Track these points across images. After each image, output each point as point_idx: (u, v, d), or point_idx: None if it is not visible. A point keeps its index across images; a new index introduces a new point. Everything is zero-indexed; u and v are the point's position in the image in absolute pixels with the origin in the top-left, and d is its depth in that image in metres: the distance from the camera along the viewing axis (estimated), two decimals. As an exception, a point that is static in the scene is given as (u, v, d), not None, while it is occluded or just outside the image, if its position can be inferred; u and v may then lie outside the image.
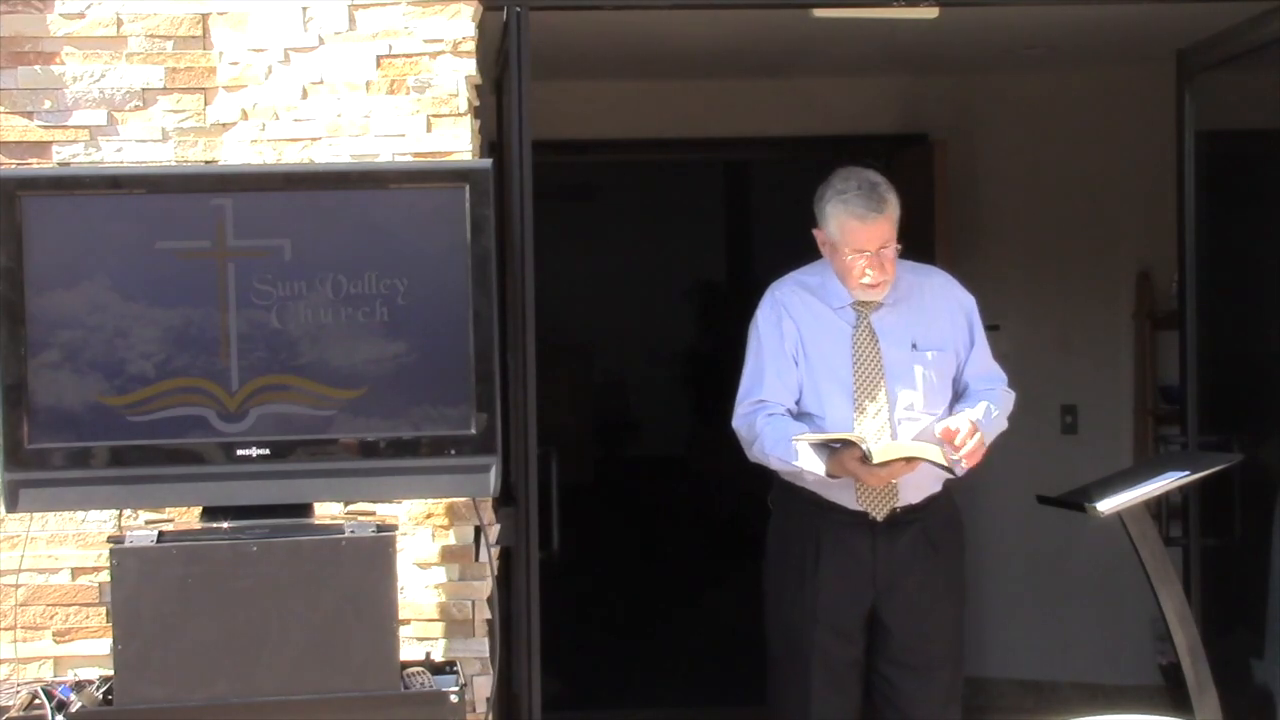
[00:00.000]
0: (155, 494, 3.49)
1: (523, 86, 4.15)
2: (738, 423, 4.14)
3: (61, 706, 3.34)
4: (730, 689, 6.69)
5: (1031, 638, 6.49)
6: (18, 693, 3.50)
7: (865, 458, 3.86)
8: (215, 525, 3.46)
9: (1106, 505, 4.22)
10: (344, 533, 3.41)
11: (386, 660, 3.40)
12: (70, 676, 3.74)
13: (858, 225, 4.04)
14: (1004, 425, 4.16)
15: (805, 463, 3.96)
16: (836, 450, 3.93)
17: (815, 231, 4.14)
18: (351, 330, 3.46)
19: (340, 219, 3.51)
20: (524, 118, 4.16)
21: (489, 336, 3.49)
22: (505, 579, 4.17)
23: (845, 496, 4.05)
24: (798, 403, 4.10)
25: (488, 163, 3.66)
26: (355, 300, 3.46)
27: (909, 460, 3.90)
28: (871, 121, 6.59)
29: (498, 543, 4.07)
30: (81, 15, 4.04)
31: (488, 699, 3.99)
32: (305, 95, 4.05)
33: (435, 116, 4.04)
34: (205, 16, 4.06)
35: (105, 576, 3.61)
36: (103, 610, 3.93)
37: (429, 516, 4.03)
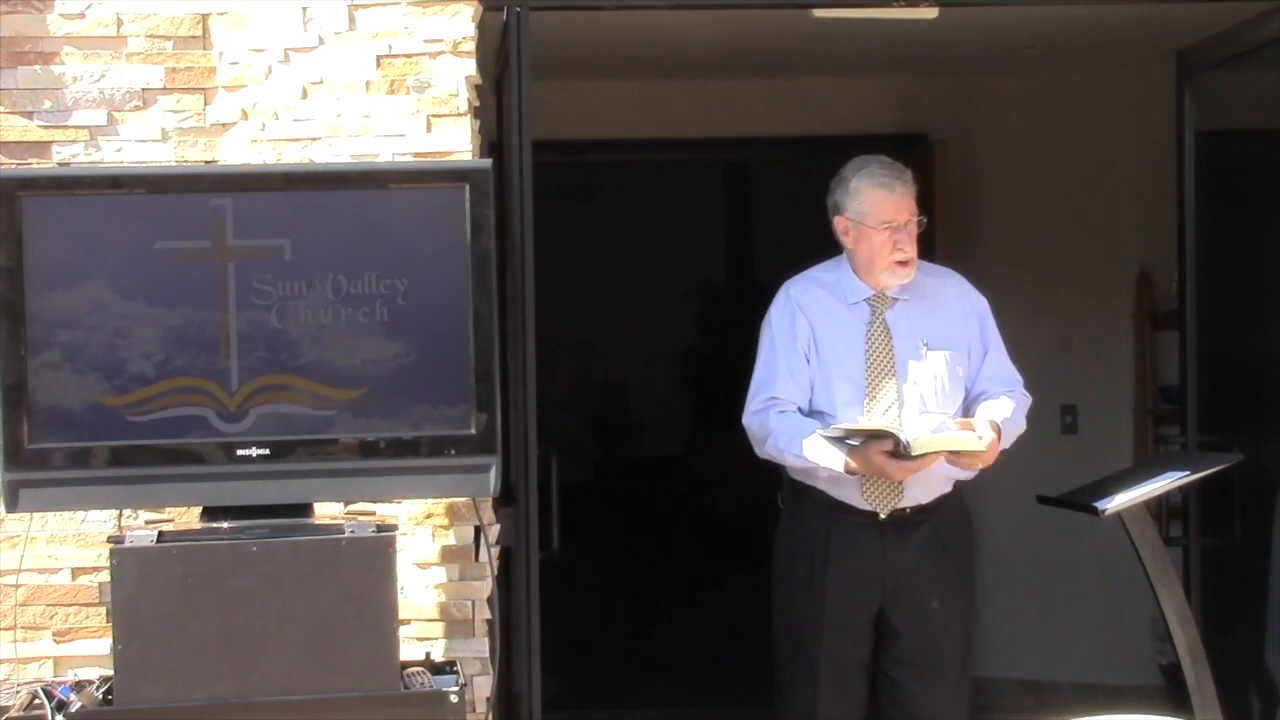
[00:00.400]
0: (155, 494, 3.49)
1: (523, 86, 4.15)
2: (749, 419, 4.14)
3: (61, 706, 3.34)
4: (730, 689, 6.70)
5: (1031, 638, 6.50)
6: (18, 693, 3.50)
7: (897, 451, 3.86)
8: (215, 525, 3.46)
9: (1106, 505, 4.22)
10: (344, 533, 3.41)
11: (386, 660, 3.39)
12: (70, 676, 3.74)
13: (886, 195, 4.06)
14: (1022, 427, 4.17)
15: (822, 457, 3.96)
16: (858, 446, 3.93)
17: (836, 219, 4.14)
18: (351, 330, 3.46)
19: (340, 219, 3.51)
20: (524, 118, 4.16)
21: (489, 336, 3.49)
22: (505, 579, 4.17)
23: (854, 495, 4.05)
24: (809, 400, 4.11)
25: (488, 163, 3.66)
26: (355, 300, 3.46)
27: (948, 453, 3.90)
28: (871, 121, 6.59)
29: (498, 543, 4.07)
30: (81, 15, 4.04)
31: (488, 699, 4.00)
32: (305, 95, 4.05)
33: (435, 116, 4.04)
34: (205, 16, 4.06)
35: (105, 576, 3.61)
36: (103, 610, 3.93)
37: (429, 516, 4.03)
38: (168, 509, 3.74)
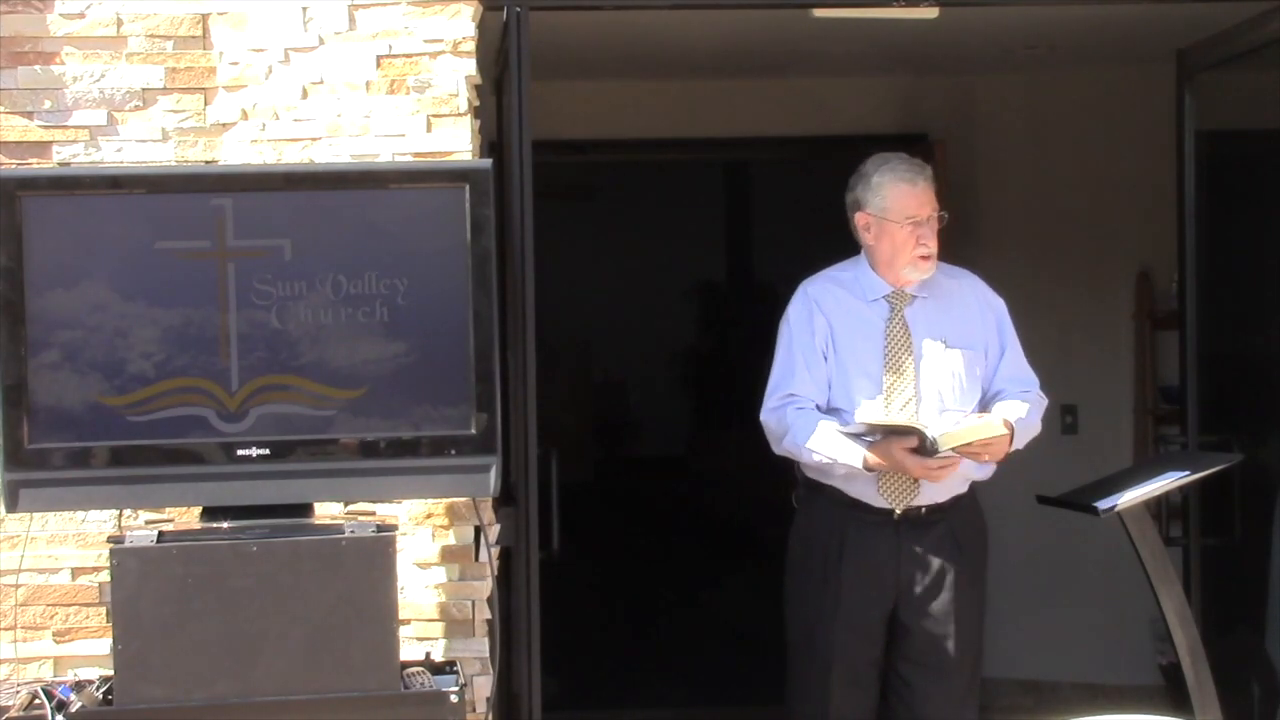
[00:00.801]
0: (155, 494, 3.49)
1: (523, 86, 4.15)
2: (766, 416, 4.15)
3: (61, 706, 3.34)
4: (730, 689, 6.70)
5: (1031, 638, 6.49)
6: (18, 693, 3.50)
7: (922, 448, 3.87)
8: (215, 525, 3.46)
9: (1106, 505, 4.23)
10: (344, 533, 3.41)
11: (386, 660, 3.39)
12: (70, 676, 3.74)
13: (909, 190, 4.08)
14: (1037, 429, 4.18)
15: (841, 453, 3.97)
16: (879, 441, 3.94)
17: (857, 215, 4.16)
18: (351, 330, 3.46)
19: (340, 219, 3.51)
20: (524, 118, 4.16)
21: (489, 336, 3.49)
22: (505, 579, 4.17)
23: (870, 492, 4.06)
24: (828, 398, 4.12)
25: (488, 163, 3.66)
26: (355, 300, 3.46)
27: (971, 448, 3.91)
28: (871, 121, 6.59)
29: (498, 543, 4.07)
30: (81, 15, 4.04)
31: (488, 699, 4.00)
32: (305, 95, 4.05)
33: (435, 116, 4.04)
34: (205, 16, 4.06)
35: (105, 576, 3.61)
36: (103, 610, 3.93)
37: (429, 516, 4.03)
38: (168, 509, 3.74)
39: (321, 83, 4.05)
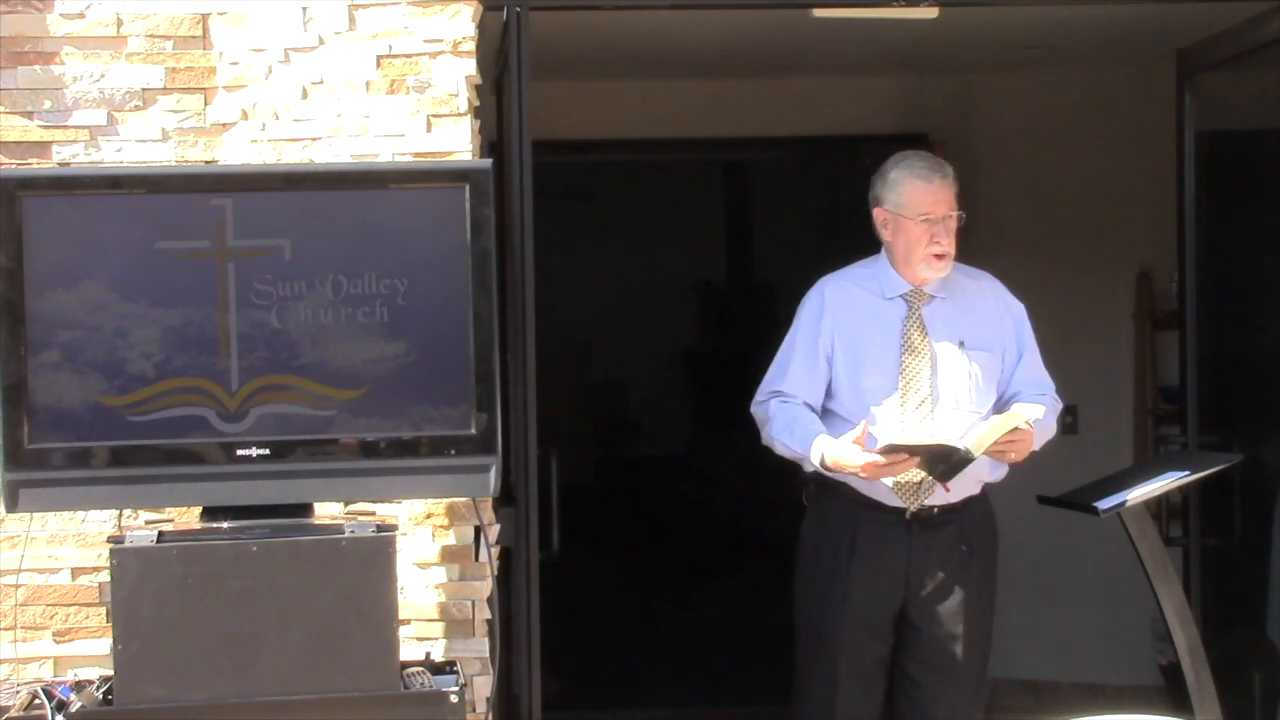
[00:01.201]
0: (155, 494, 3.49)
1: (523, 86, 4.15)
2: (754, 408, 4.20)
3: (61, 706, 3.33)
4: (731, 688, 6.70)
5: (1031, 638, 6.49)
6: (18, 693, 3.50)
7: (953, 461, 3.87)
8: (215, 525, 3.45)
9: (1106, 505, 4.23)
10: (344, 533, 3.41)
11: (386, 660, 3.39)
12: (70, 676, 3.74)
13: (924, 186, 4.08)
14: (1052, 431, 4.19)
15: (801, 444, 4.00)
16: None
17: (875, 211, 4.17)
18: (351, 330, 3.46)
19: (340, 219, 3.50)
20: (524, 118, 4.16)
21: (489, 336, 3.49)
22: (505, 579, 4.17)
23: (883, 491, 4.06)
24: (828, 399, 4.13)
25: (488, 163, 3.66)
26: (355, 300, 3.46)
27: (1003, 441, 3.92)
28: (871, 121, 6.59)
29: (498, 543, 4.07)
30: (81, 15, 4.04)
31: (488, 699, 3.99)
32: (305, 95, 4.05)
33: (435, 116, 4.04)
34: (205, 16, 4.06)
35: (105, 576, 3.61)
36: (103, 610, 3.93)
37: (429, 516, 4.03)
38: (168, 509, 3.74)
39: (321, 83, 4.05)
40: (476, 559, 4.02)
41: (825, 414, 4.14)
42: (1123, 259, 6.52)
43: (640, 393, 11.91)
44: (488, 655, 3.99)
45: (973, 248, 6.23)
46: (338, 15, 4.05)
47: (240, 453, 3.43)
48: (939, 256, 4.08)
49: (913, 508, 4.07)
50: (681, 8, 4.91)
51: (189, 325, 3.42)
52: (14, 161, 3.98)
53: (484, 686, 3.98)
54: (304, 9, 4.05)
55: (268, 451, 3.44)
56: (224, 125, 4.05)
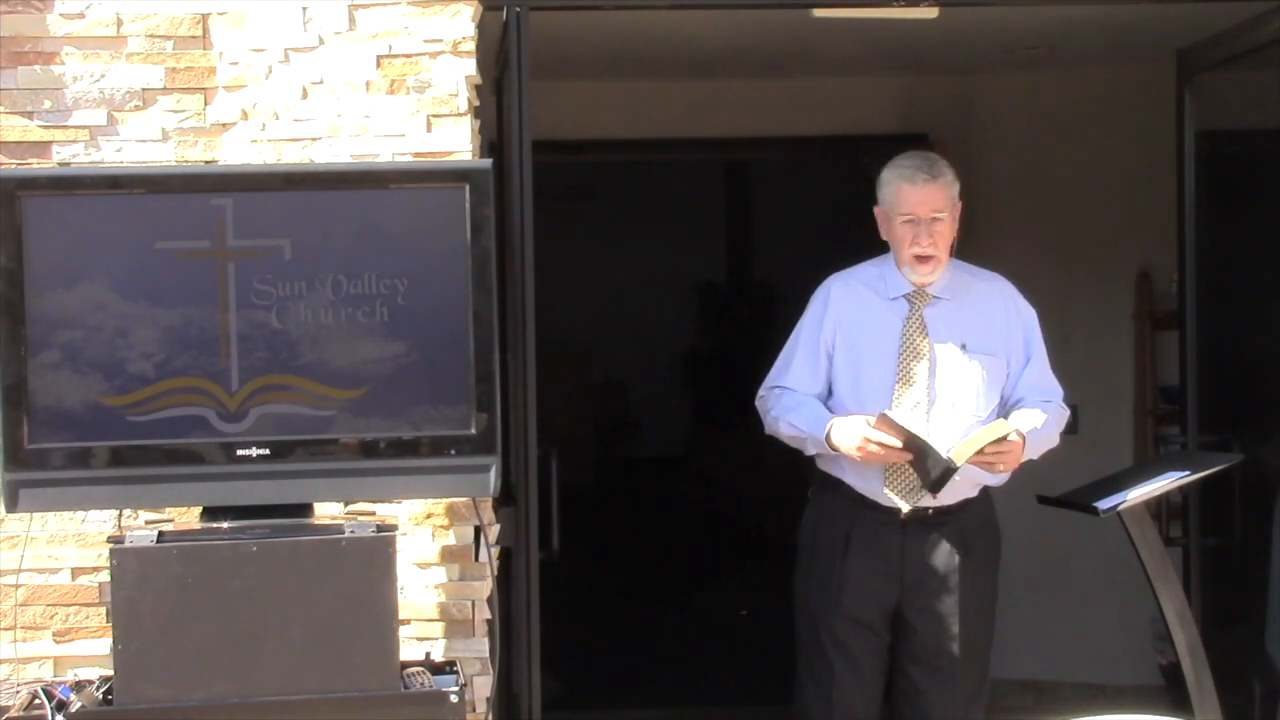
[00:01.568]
0: (155, 494, 3.49)
1: (523, 86, 4.15)
2: (758, 401, 4.24)
3: (61, 706, 3.33)
4: (730, 688, 6.69)
5: (1031, 638, 6.49)
6: (18, 693, 3.50)
7: (928, 464, 3.87)
8: (215, 525, 3.45)
9: (1106, 505, 4.23)
10: (344, 533, 3.41)
11: (386, 660, 3.39)
12: (70, 676, 3.74)
13: (908, 188, 4.07)
14: (1055, 440, 4.17)
15: (806, 424, 4.04)
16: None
17: (875, 210, 4.18)
18: (351, 330, 3.46)
19: (340, 219, 3.50)
20: (524, 118, 4.16)
21: (489, 336, 3.49)
22: (505, 579, 4.17)
23: (876, 490, 4.08)
24: (830, 396, 4.15)
25: (488, 163, 3.66)
26: (355, 300, 3.46)
27: (982, 455, 3.91)
28: (871, 121, 6.59)
29: (498, 543, 4.07)
30: (81, 15, 4.04)
31: (488, 699, 4.00)
32: (305, 95, 4.05)
33: (435, 116, 4.04)
34: (205, 16, 4.06)
35: (105, 576, 3.61)
36: (103, 610, 3.93)
37: (429, 516, 4.03)
38: (168, 509, 3.74)
39: (321, 83, 4.05)
40: (476, 559, 4.02)
41: None
42: (1123, 259, 6.52)
43: (640, 393, 11.92)
44: (488, 655, 3.99)
45: (973, 248, 6.26)
46: (338, 15, 4.05)
47: (240, 453, 3.43)
48: (920, 259, 4.07)
49: (908, 508, 4.07)
50: (681, 7, 4.91)
51: (189, 325, 3.42)
52: (14, 161, 3.98)
53: (484, 686, 3.98)
54: (304, 9, 4.05)
55: (268, 451, 3.44)
56: (224, 125, 4.06)
